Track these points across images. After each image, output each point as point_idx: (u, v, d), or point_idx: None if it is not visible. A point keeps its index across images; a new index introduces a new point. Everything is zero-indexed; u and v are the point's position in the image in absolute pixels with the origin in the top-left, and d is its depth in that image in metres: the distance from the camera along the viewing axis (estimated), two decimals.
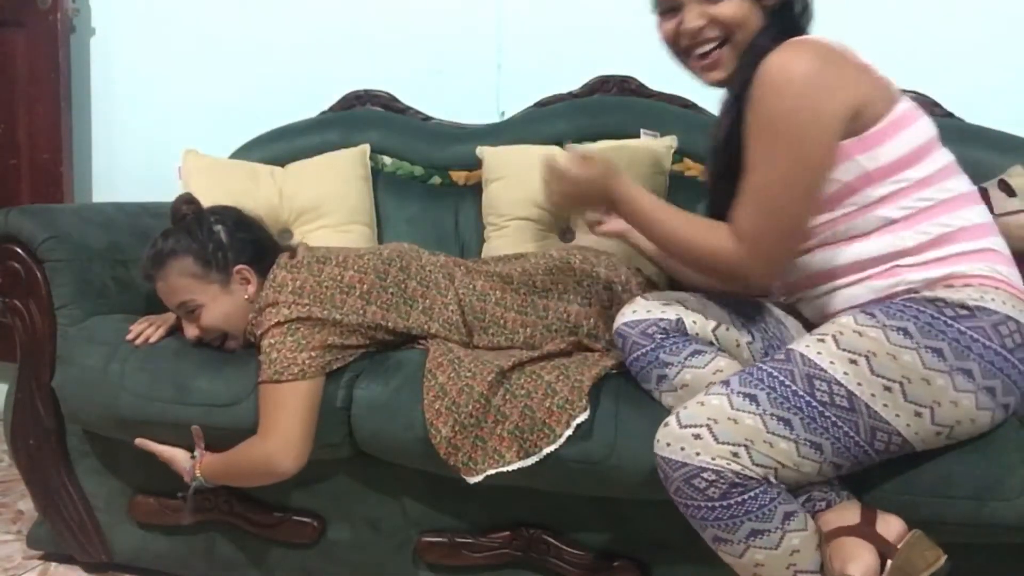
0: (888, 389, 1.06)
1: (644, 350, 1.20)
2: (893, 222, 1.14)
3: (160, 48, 2.36)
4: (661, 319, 1.20)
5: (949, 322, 1.08)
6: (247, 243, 1.47)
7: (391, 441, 1.31)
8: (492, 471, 1.23)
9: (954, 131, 1.53)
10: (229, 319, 1.42)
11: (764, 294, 1.34)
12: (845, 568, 1.06)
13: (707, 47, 1.19)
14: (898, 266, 1.14)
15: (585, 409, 1.22)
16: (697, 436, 1.05)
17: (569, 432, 1.21)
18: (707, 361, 1.18)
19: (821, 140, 1.09)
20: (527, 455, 1.22)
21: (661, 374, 1.20)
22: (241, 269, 1.43)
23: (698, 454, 1.05)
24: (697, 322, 1.20)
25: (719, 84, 1.23)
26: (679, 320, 1.20)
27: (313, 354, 1.30)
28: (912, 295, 1.13)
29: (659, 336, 1.20)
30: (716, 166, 1.27)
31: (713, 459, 1.04)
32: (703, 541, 1.19)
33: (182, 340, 1.46)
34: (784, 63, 1.09)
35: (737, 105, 1.16)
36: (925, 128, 1.16)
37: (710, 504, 1.05)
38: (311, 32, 2.25)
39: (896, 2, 1.96)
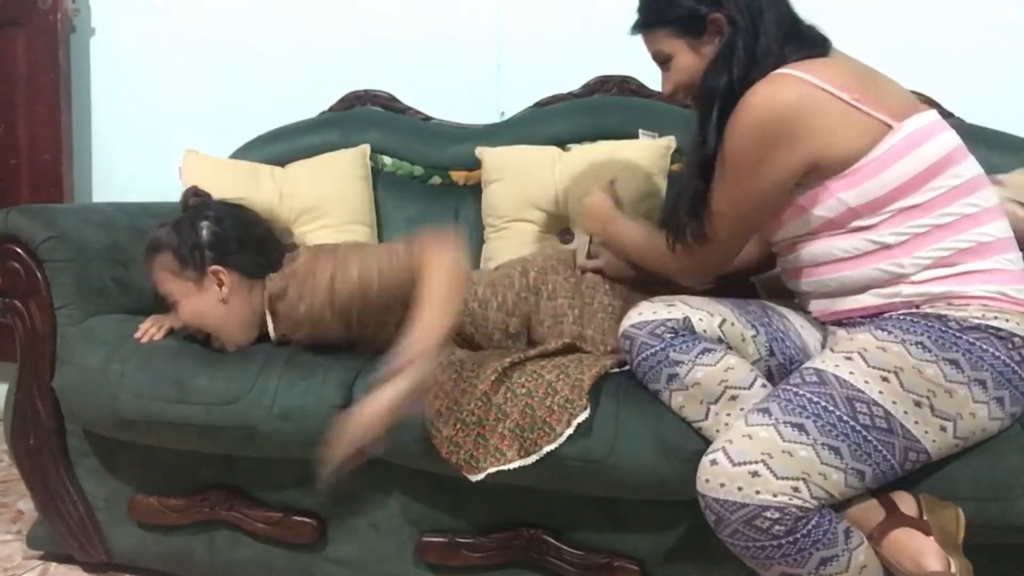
0: (918, 404, 1.06)
1: (653, 350, 1.19)
2: (888, 247, 1.12)
3: (160, 48, 2.36)
4: (668, 319, 1.20)
5: (958, 335, 1.08)
6: (236, 243, 1.45)
7: (390, 443, 1.31)
8: (493, 469, 1.23)
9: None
10: (202, 317, 1.42)
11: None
12: (922, 567, 1.05)
13: (687, 100, 1.31)
14: (898, 283, 1.14)
15: (585, 408, 1.22)
16: (755, 473, 1.02)
17: (570, 431, 1.21)
18: (718, 359, 1.18)
19: (762, 184, 1.15)
20: (528, 454, 1.22)
21: (672, 373, 1.19)
22: (217, 271, 1.41)
23: (758, 492, 1.02)
24: (703, 319, 1.20)
25: None
26: (686, 319, 1.20)
27: None
28: (913, 309, 1.12)
29: (668, 335, 1.19)
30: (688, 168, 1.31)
31: (775, 496, 1.01)
32: (703, 541, 1.19)
33: (182, 339, 1.47)
34: (764, 98, 1.12)
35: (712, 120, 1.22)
36: (935, 149, 1.11)
37: (776, 542, 1.03)
38: (311, 32, 2.25)
39: (897, 1, 1.96)
